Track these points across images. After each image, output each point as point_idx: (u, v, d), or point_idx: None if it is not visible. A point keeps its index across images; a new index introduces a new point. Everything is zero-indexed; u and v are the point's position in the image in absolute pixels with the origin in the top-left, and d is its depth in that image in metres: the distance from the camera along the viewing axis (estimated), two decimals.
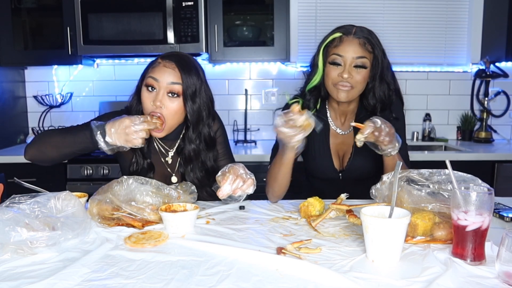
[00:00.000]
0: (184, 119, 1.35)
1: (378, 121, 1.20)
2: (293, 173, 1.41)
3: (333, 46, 1.38)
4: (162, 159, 1.42)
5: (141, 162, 1.38)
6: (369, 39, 1.37)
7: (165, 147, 1.42)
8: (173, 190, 1.21)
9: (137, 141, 1.18)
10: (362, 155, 1.46)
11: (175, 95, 1.28)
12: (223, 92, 3.00)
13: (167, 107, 1.28)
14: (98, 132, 1.17)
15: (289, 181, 1.39)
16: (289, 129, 1.19)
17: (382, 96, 1.43)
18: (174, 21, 2.51)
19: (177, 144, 1.42)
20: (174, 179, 1.42)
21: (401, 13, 2.95)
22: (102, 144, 1.18)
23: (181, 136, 1.42)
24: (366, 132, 1.18)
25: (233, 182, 1.13)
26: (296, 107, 1.18)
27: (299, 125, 1.18)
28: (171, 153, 1.42)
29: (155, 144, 1.43)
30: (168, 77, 1.28)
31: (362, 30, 1.38)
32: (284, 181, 1.37)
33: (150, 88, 1.29)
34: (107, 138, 1.17)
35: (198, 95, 1.31)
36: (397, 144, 1.24)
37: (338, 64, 1.36)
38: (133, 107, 1.38)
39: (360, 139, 1.21)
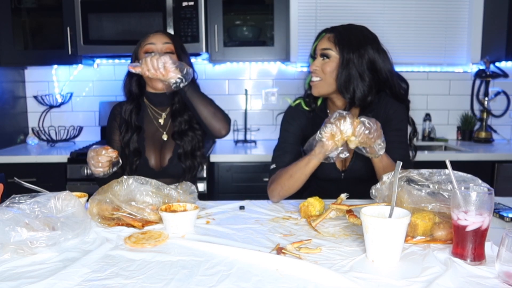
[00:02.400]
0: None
1: (364, 119, 1.21)
2: None
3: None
4: (154, 121, 1.65)
5: (130, 128, 1.60)
6: (340, 33, 1.42)
7: (158, 111, 1.65)
8: (173, 190, 1.21)
9: (98, 170, 1.38)
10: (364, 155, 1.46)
11: (170, 53, 1.55)
12: (223, 92, 3.00)
13: None
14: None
15: (301, 186, 1.39)
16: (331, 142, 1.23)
17: (359, 94, 1.40)
18: (174, 21, 2.50)
19: (168, 109, 1.65)
20: (164, 137, 1.63)
21: (401, 13, 2.95)
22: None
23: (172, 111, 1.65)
24: (358, 130, 1.20)
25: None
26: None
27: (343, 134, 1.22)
28: (163, 115, 1.65)
29: (149, 111, 1.65)
30: (161, 39, 1.57)
31: (342, 26, 1.45)
32: (298, 183, 1.37)
33: (149, 52, 1.54)
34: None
35: (185, 52, 1.62)
36: (383, 144, 1.25)
37: (314, 58, 1.47)
38: (126, 86, 1.64)
39: (353, 140, 1.22)
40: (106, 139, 1.68)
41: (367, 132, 1.20)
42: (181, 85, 1.41)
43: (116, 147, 1.61)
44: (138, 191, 1.16)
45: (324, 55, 1.42)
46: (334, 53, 1.41)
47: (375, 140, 1.23)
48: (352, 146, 1.24)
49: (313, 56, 1.49)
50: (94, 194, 1.19)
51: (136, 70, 1.42)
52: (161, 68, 1.38)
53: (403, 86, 1.50)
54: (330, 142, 1.23)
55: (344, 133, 1.21)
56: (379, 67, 1.42)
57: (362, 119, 1.21)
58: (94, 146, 1.37)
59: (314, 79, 1.45)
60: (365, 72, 1.40)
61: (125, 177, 1.19)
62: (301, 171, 1.35)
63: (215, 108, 1.52)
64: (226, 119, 1.54)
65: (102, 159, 1.34)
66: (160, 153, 1.61)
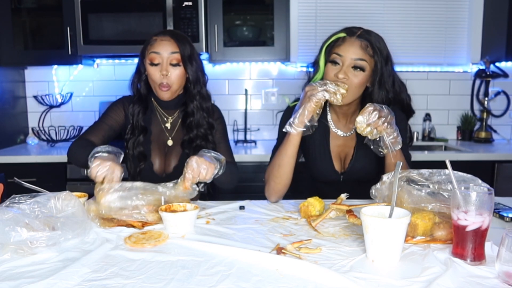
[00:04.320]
0: (184, 85, 1.57)
1: (376, 104, 1.22)
2: (294, 174, 1.41)
3: (336, 45, 1.38)
4: (162, 124, 1.61)
5: (136, 128, 1.56)
6: (372, 43, 1.35)
7: (166, 114, 1.62)
8: (160, 186, 1.20)
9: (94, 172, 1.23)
10: (363, 157, 1.46)
11: (176, 65, 1.50)
12: (223, 92, 3.00)
13: (172, 74, 1.50)
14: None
15: (291, 175, 1.39)
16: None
17: (380, 102, 1.40)
18: (174, 21, 2.50)
19: (176, 113, 1.61)
20: (169, 142, 1.60)
21: (401, 13, 2.95)
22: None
23: (181, 109, 1.61)
24: (367, 110, 1.20)
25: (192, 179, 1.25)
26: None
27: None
28: (170, 120, 1.61)
29: (157, 112, 1.61)
30: (167, 48, 1.49)
31: (368, 33, 1.37)
32: (287, 169, 1.37)
33: (154, 63, 1.49)
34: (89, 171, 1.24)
35: (193, 59, 1.53)
36: (399, 139, 1.24)
37: (337, 63, 1.36)
38: (134, 85, 1.59)
39: (360, 121, 1.21)
40: (102, 115, 1.60)
41: (376, 113, 1.19)
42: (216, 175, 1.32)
43: (110, 125, 1.56)
44: (127, 198, 1.15)
45: (358, 67, 1.34)
46: (367, 65, 1.35)
47: (386, 127, 1.20)
48: (358, 125, 1.21)
49: (334, 61, 1.37)
50: (91, 199, 1.19)
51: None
52: (203, 173, 1.26)
53: (409, 98, 1.50)
54: (309, 105, 1.28)
55: (340, 90, 1.26)
56: (396, 81, 1.44)
57: (373, 103, 1.22)
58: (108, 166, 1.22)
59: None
60: (390, 90, 1.42)
61: (106, 186, 1.17)
62: (286, 153, 1.36)
63: (232, 176, 1.52)
64: (237, 178, 1.57)
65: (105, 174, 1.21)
66: (165, 158, 1.58)
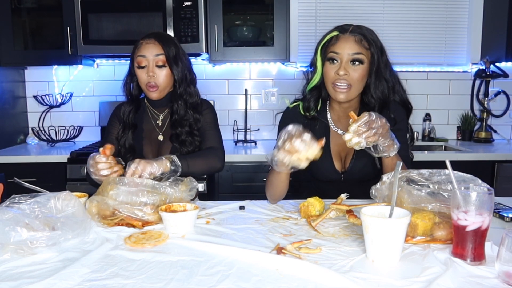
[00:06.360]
0: (173, 84, 1.63)
1: (373, 114, 1.16)
2: (294, 174, 1.41)
3: (330, 44, 1.40)
4: (153, 121, 1.69)
5: (126, 126, 1.64)
6: (365, 36, 1.37)
7: (156, 112, 1.69)
8: (168, 187, 1.20)
9: (101, 175, 1.30)
10: (364, 155, 1.45)
11: (162, 66, 1.56)
12: (223, 92, 3.00)
13: (158, 75, 1.56)
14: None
15: (287, 187, 1.38)
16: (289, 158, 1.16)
17: (379, 93, 1.42)
18: (174, 21, 2.51)
19: (166, 110, 1.67)
20: (160, 137, 1.66)
21: (401, 13, 2.95)
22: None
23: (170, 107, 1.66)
24: (359, 122, 1.15)
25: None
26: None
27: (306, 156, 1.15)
28: (161, 117, 1.68)
29: (148, 111, 1.69)
30: (152, 51, 1.55)
31: (360, 28, 1.39)
32: (281, 187, 1.37)
33: (141, 65, 1.56)
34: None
35: (179, 59, 1.59)
36: (395, 146, 1.23)
37: (335, 61, 1.37)
38: (126, 87, 1.66)
39: (350, 131, 1.16)
40: (105, 133, 1.71)
41: (365, 128, 1.15)
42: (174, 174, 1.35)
43: (112, 139, 1.65)
44: (133, 193, 1.15)
45: (357, 60, 1.35)
46: (365, 58, 1.36)
47: (377, 139, 1.17)
48: (348, 144, 1.18)
49: (331, 59, 1.37)
50: (93, 195, 1.19)
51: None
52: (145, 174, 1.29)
53: (403, 90, 1.49)
54: (286, 160, 1.16)
55: (301, 153, 1.14)
56: (392, 71, 1.44)
57: (368, 114, 1.16)
58: (92, 154, 1.33)
59: (342, 85, 1.37)
60: (389, 80, 1.42)
61: (117, 179, 1.20)
62: (276, 179, 1.35)
63: (207, 159, 1.54)
64: (219, 160, 1.57)
65: (101, 167, 1.28)
66: (157, 153, 1.63)
